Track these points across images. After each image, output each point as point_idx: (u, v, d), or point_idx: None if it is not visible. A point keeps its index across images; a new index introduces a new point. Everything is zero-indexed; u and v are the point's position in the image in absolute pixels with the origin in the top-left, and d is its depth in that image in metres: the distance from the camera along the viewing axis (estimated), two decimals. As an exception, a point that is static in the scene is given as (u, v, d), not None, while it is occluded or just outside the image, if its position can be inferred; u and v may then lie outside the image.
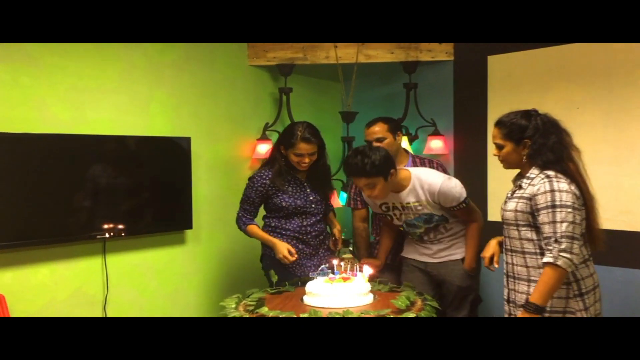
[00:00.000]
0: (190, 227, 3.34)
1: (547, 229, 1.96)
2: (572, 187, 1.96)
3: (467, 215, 2.66)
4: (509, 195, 2.18)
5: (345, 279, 2.45)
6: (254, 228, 2.85)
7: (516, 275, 2.14)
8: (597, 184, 3.04)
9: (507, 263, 2.20)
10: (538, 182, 2.00)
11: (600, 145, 3.14)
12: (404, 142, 3.47)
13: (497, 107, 3.53)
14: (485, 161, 3.56)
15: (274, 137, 3.81)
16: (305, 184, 2.82)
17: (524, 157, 2.07)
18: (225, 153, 3.67)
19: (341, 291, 2.34)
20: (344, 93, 3.83)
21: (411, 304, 2.31)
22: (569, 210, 1.93)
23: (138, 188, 3.08)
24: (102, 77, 3.01)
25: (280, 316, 2.14)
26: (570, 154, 2.04)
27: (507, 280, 2.21)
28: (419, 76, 3.81)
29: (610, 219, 3.08)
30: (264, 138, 3.78)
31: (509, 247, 2.19)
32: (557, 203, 1.94)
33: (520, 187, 2.09)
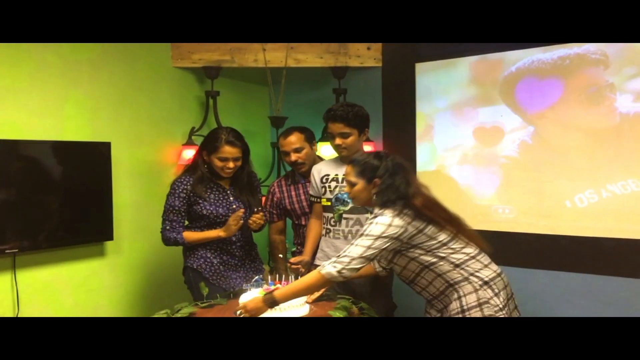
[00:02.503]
0: (111, 239, 3.14)
1: (346, 247, 2.09)
2: (395, 220, 2.07)
3: None
4: None
5: (280, 290, 2.35)
6: (190, 233, 2.67)
7: (435, 293, 2.22)
8: (520, 190, 3.24)
9: (419, 291, 2.27)
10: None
11: (522, 151, 3.26)
12: (323, 149, 3.50)
13: (426, 114, 3.61)
14: (415, 167, 3.61)
15: (201, 142, 3.66)
16: (228, 191, 2.72)
17: (374, 195, 2.20)
18: (149, 159, 3.49)
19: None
20: (273, 97, 3.76)
21: (349, 315, 2.26)
22: (371, 237, 2.06)
23: (52, 197, 2.86)
24: (9, 76, 2.76)
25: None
26: (417, 190, 2.17)
27: (431, 303, 2.28)
28: (348, 82, 3.81)
29: (533, 223, 3.22)
30: (189, 143, 3.64)
31: (407, 280, 2.28)
32: (365, 232, 2.08)
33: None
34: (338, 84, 3.79)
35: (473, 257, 2.18)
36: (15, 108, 2.79)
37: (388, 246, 2.09)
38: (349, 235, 2.68)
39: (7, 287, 2.75)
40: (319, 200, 2.79)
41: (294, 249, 3.11)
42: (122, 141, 3.27)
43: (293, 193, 3.00)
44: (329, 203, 2.73)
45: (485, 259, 2.21)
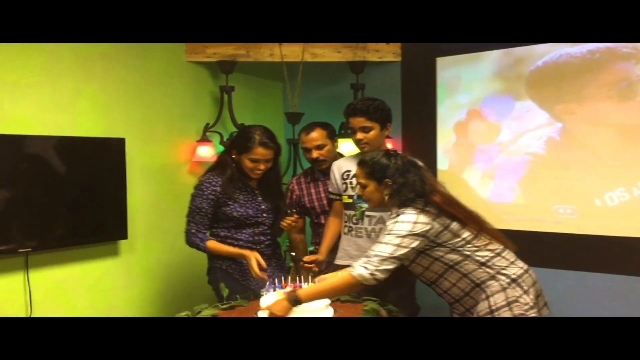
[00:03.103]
0: (125, 237, 3.06)
1: (372, 247, 2.02)
2: (420, 217, 2.01)
3: None
4: None
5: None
6: (214, 244, 2.55)
7: (459, 295, 2.14)
8: (547, 188, 3.14)
9: (441, 293, 2.20)
10: (392, 217, 2.09)
11: (549, 148, 3.17)
12: (342, 146, 3.40)
13: (447, 110, 3.52)
14: (435, 165, 3.53)
15: (215, 138, 3.62)
16: (256, 192, 2.62)
17: (386, 196, 2.14)
18: (162, 156, 3.41)
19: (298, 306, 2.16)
20: (289, 93, 3.68)
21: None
22: (399, 235, 1.99)
23: (65, 194, 2.78)
24: (22, 69, 2.69)
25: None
26: (434, 188, 2.11)
27: (453, 307, 2.21)
28: (366, 77, 3.72)
29: (560, 222, 3.13)
30: (204, 140, 3.56)
31: (428, 281, 2.21)
32: (393, 231, 2.01)
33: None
34: (356, 79, 3.71)
35: (498, 254, 2.11)
36: (26, 103, 2.72)
37: (417, 245, 2.01)
38: (372, 233, 2.59)
39: (20, 287, 2.68)
40: (338, 197, 2.71)
41: (311, 248, 3.03)
42: (136, 137, 3.19)
43: (312, 190, 2.93)
44: (350, 200, 2.64)
45: (510, 255, 2.14)
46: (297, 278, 2.43)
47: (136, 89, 3.23)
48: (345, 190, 2.65)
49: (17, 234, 2.59)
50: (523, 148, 3.24)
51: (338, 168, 2.70)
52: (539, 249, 3.14)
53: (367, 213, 2.58)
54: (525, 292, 2.06)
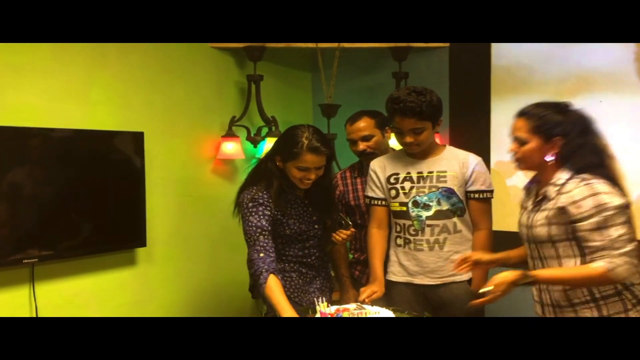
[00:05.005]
0: (144, 245, 2.81)
1: (597, 237, 1.70)
2: (615, 190, 1.73)
3: (482, 214, 2.35)
4: (529, 206, 1.91)
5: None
6: (274, 283, 2.01)
7: (556, 304, 1.85)
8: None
9: (540, 290, 1.92)
10: (573, 187, 1.75)
11: (629, 143, 2.80)
12: (392, 140, 3.07)
13: (502, 101, 3.19)
14: (489, 162, 3.19)
15: (242, 133, 3.36)
16: (306, 201, 2.29)
17: (550, 159, 1.83)
18: (184, 152, 3.15)
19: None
20: (323, 82, 3.36)
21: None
22: (619, 211, 1.70)
23: (75, 196, 2.58)
24: (29, 54, 2.48)
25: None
26: (607, 160, 1.81)
27: (544, 310, 1.92)
28: (410, 64, 3.42)
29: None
30: (229, 135, 3.27)
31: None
32: (605, 206, 1.69)
33: (545, 197, 1.83)
34: (398, 67, 3.41)
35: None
36: (32, 91, 2.53)
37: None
38: (436, 245, 2.28)
39: (25, 301, 2.46)
40: (382, 203, 2.38)
41: (351, 256, 2.72)
42: (155, 131, 2.94)
43: (359, 187, 2.63)
44: (403, 208, 2.32)
45: None
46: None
47: (155, 78, 3.00)
48: (396, 196, 2.33)
49: (21, 243, 2.38)
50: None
51: (381, 169, 2.38)
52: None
53: (428, 222, 2.28)
54: None
